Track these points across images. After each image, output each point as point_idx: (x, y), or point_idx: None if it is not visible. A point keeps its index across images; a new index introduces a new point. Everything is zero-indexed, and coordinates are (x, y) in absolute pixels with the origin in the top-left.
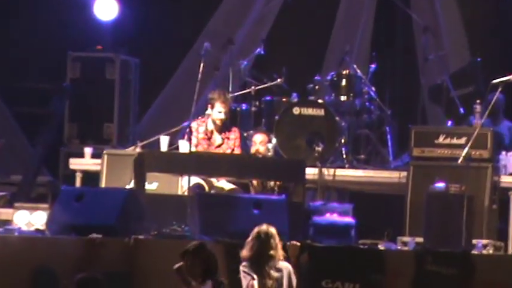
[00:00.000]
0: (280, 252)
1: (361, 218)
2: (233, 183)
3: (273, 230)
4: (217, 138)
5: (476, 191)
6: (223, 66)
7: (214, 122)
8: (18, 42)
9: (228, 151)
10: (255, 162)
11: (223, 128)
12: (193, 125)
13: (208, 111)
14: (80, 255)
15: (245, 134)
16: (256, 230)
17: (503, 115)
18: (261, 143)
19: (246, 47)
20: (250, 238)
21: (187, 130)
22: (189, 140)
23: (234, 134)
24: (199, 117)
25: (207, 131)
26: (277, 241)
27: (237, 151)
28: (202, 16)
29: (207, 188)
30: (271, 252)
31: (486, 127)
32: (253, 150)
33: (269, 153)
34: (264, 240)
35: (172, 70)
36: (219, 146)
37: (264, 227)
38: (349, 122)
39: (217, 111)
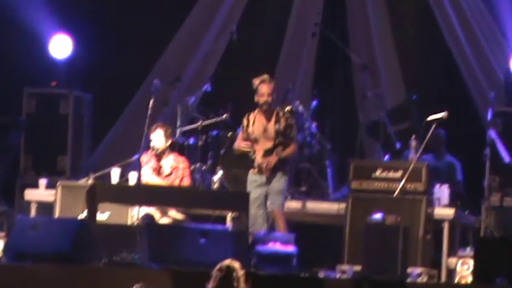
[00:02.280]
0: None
1: (303, 247)
2: (182, 213)
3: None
4: (165, 168)
5: (411, 222)
6: (172, 102)
7: (155, 151)
8: None
9: (177, 181)
10: (201, 193)
11: (165, 155)
12: (143, 158)
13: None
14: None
15: (192, 167)
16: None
17: (446, 149)
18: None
19: (194, 83)
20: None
21: (137, 163)
22: (139, 172)
23: (183, 164)
24: (149, 151)
25: (154, 163)
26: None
27: (186, 181)
28: (152, 54)
29: (159, 216)
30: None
31: (426, 162)
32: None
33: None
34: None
35: (123, 105)
36: (168, 175)
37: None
38: None
39: (156, 139)
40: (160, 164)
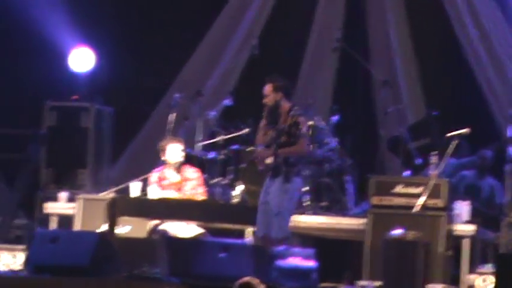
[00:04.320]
0: None
1: (323, 262)
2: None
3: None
4: (180, 182)
5: (431, 238)
6: (193, 116)
7: (171, 166)
8: None
9: (192, 192)
10: (221, 207)
11: (181, 169)
12: (162, 172)
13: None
14: None
15: (212, 181)
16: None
17: (489, 172)
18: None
19: (214, 98)
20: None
21: (156, 178)
22: (159, 186)
23: (195, 174)
24: (162, 167)
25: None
26: None
27: (200, 190)
28: (173, 68)
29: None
30: None
31: (470, 178)
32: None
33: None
34: None
35: (144, 119)
36: (182, 188)
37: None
38: (311, 171)
39: (172, 154)
40: (174, 178)
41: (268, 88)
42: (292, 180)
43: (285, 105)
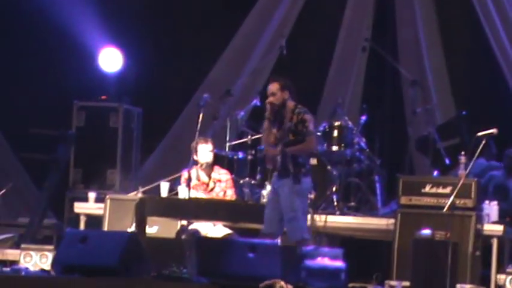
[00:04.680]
0: None
1: (351, 262)
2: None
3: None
4: (209, 183)
5: (460, 238)
6: (221, 116)
7: (201, 166)
8: (27, 91)
9: (221, 194)
10: (249, 208)
11: (211, 169)
12: (192, 172)
13: (195, 157)
14: None
15: (241, 181)
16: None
17: None
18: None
19: (243, 98)
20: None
21: (186, 177)
22: (188, 186)
23: (226, 176)
24: (197, 165)
25: (199, 177)
26: None
27: (230, 192)
28: (202, 68)
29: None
30: None
31: (499, 178)
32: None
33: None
34: None
35: (173, 119)
36: (212, 189)
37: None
38: (340, 171)
39: (202, 154)
40: (204, 178)
41: (274, 87)
42: (302, 181)
43: (290, 103)
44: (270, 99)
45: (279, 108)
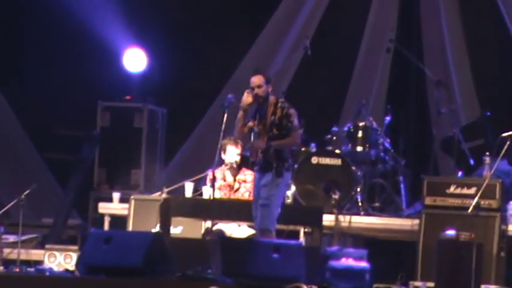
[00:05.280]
0: None
1: (376, 262)
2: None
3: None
4: (234, 184)
5: (485, 238)
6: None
7: (227, 166)
8: (52, 91)
9: (246, 194)
10: None
11: (238, 171)
12: (216, 172)
13: (223, 156)
14: None
15: None
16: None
17: None
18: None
19: None
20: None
21: (211, 177)
22: (213, 186)
23: (251, 176)
24: (222, 165)
25: (224, 177)
26: None
27: None
28: (227, 68)
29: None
30: None
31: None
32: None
33: (288, 200)
34: None
35: (197, 120)
36: (237, 190)
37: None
38: (364, 172)
39: (229, 155)
40: (229, 179)
41: (259, 79)
42: (284, 175)
43: (272, 97)
44: (256, 91)
45: (263, 101)
